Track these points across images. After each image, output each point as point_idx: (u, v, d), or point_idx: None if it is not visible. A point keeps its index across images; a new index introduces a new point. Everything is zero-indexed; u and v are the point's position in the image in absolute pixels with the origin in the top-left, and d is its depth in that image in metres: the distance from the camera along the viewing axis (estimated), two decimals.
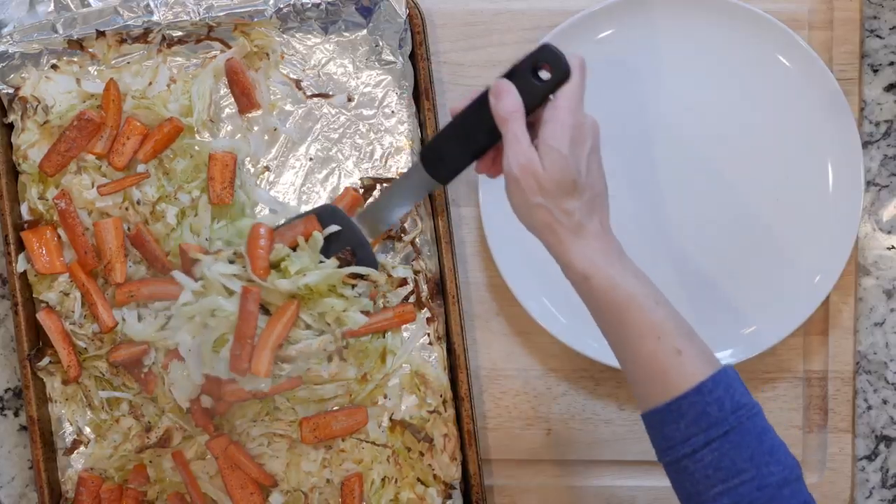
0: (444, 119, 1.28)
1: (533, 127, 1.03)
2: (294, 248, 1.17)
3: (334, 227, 1.17)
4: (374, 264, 1.18)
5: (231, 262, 1.16)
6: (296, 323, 1.15)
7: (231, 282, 1.14)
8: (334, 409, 1.25)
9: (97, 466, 1.27)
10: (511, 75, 1.04)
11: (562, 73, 1.02)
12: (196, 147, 1.24)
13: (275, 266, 1.16)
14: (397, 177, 1.24)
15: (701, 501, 0.97)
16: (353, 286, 1.18)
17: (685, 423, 0.97)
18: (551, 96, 1.03)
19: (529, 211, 1.02)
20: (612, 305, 1.01)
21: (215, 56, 1.25)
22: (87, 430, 1.27)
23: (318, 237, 1.16)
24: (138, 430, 1.26)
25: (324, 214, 1.18)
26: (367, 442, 1.26)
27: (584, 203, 1.01)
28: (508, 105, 1.02)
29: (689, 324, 1.02)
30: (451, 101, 1.23)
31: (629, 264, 1.03)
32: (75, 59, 1.24)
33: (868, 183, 1.30)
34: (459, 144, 1.08)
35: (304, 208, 1.26)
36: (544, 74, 1.03)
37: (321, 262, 1.17)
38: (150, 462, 1.27)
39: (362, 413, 1.24)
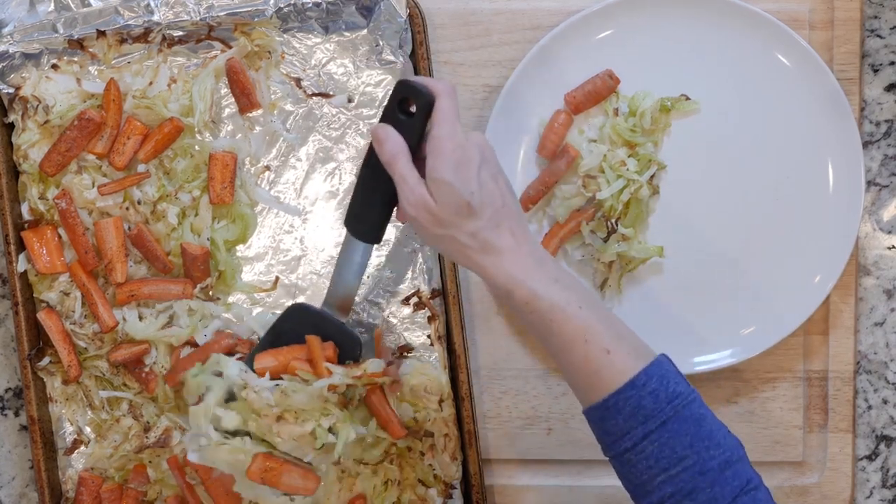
0: None
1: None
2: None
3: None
4: (357, 341, 1.17)
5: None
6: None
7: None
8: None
9: (97, 466, 1.27)
10: (385, 118, 1.04)
11: (426, 103, 1.02)
12: (196, 147, 1.24)
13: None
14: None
15: (646, 492, 0.99)
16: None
17: (623, 417, 0.98)
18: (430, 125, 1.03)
19: (437, 242, 1.03)
20: (536, 315, 1.01)
21: (216, 56, 1.25)
22: (88, 429, 1.27)
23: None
24: (138, 429, 1.26)
25: (292, 317, 1.17)
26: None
27: (486, 221, 1.00)
28: (389, 148, 1.02)
29: (620, 322, 1.03)
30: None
31: (551, 271, 1.02)
32: (76, 59, 1.24)
33: (868, 183, 1.30)
34: (371, 201, 1.08)
35: (305, 208, 1.26)
36: (413, 108, 1.03)
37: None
38: (150, 462, 1.27)
39: (313, 479, 1.16)
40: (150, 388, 1.24)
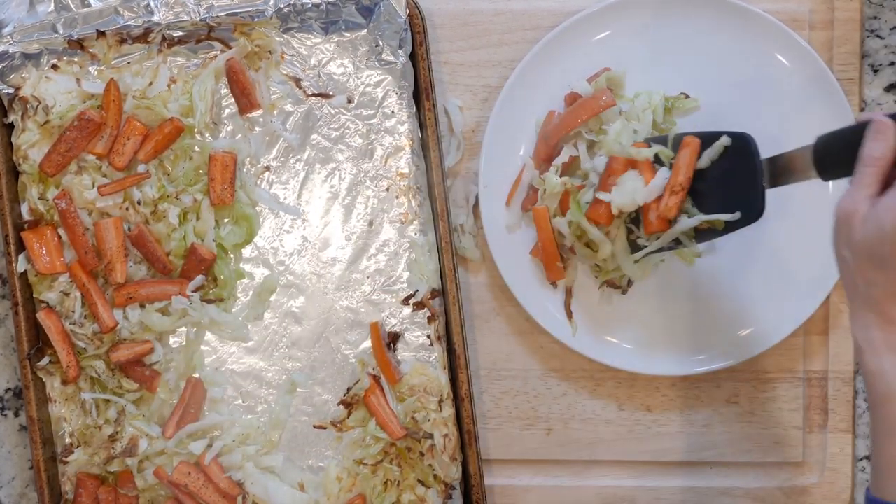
0: (444, 119, 1.28)
1: None
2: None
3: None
4: (755, 210, 1.11)
5: None
6: None
7: None
8: None
9: (83, 470, 1.26)
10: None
11: None
12: (196, 148, 1.24)
13: None
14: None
15: None
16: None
17: None
18: None
19: (836, 256, 0.99)
20: (872, 390, 0.97)
21: (216, 56, 1.25)
22: (78, 433, 1.26)
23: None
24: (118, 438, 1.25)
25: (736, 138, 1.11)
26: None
27: (889, 281, 0.94)
28: (874, 150, 0.96)
29: None
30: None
31: None
32: (75, 59, 1.24)
33: None
34: (850, 154, 1.00)
35: (305, 208, 1.27)
36: None
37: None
38: (138, 473, 1.26)
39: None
40: (152, 387, 1.24)
